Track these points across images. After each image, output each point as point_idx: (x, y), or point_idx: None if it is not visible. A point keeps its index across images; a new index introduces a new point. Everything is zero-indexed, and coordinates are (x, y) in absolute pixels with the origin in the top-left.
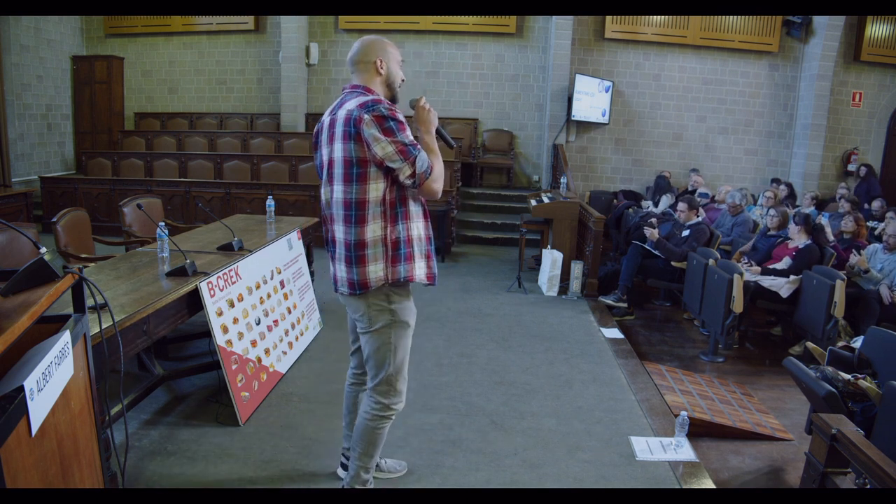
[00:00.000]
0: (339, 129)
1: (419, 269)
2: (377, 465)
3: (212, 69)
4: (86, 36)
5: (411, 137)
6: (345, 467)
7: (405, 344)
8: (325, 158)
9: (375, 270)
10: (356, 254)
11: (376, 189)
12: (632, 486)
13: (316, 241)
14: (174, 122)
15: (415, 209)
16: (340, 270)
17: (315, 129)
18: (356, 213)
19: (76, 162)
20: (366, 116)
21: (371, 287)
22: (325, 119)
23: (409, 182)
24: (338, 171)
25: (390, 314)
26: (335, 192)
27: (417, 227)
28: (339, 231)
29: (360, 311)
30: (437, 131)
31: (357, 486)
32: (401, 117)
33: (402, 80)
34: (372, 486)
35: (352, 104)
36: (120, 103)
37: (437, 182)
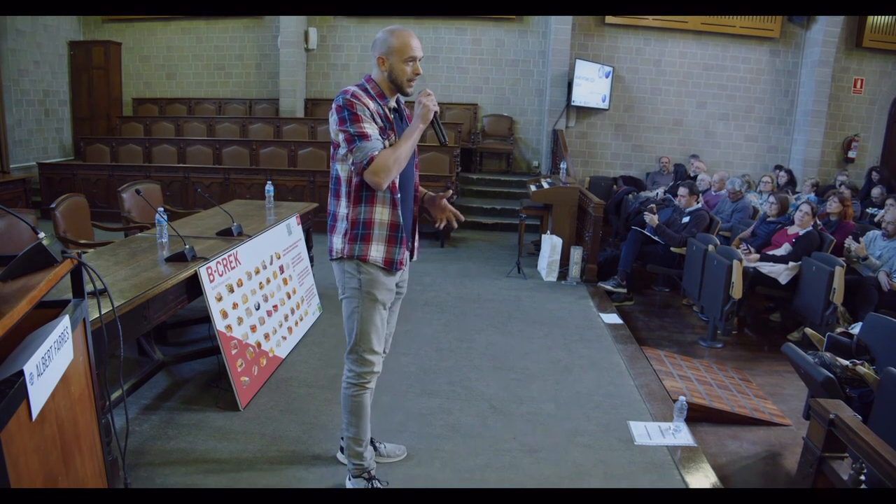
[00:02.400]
0: None
1: (375, 252)
2: (377, 450)
3: (210, 54)
4: (83, 21)
5: (362, 128)
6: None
7: (371, 316)
8: None
9: (337, 242)
10: (330, 223)
11: (343, 169)
12: (630, 471)
13: (315, 227)
14: (173, 107)
15: (380, 195)
16: (329, 237)
17: None
18: (334, 187)
19: (74, 148)
20: (333, 105)
21: (334, 255)
22: None
23: (352, 168)
24: (331, 151)
25: (358, 283)
26: (331, 169)
27: (383, 212)
28: (330, 202)
29: (337, 276)
30: (433, 124)
31: (355, 462)
32: (357, 109)
33: (416, 75)
34: (370, 462)
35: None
36: (118, 89)
37: (378, 174)
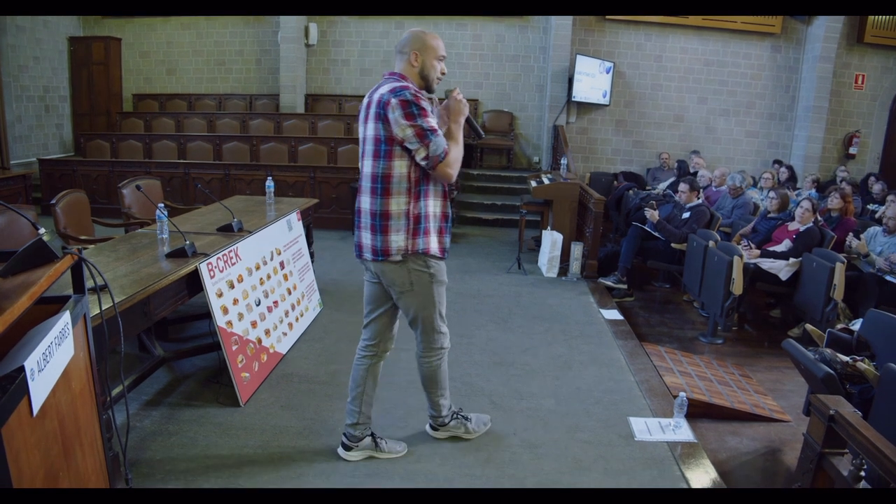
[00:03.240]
0: (372, 111)
1: (433, 243)
2: (378, 446)
3: (210, 50)
4: (82, 17)
5: (431, 123)
6: (346, 447)
7: (442, 300)
8: (361, 136)
9: (397, 240)
10: (381, 223)
11: (401, 166)
12: (630, 466)
13: (315, 222)
14: (173, 103)
15: (434, 188)
16: (365, 238)
17: (359, 111)
18: (381, 185)
19: (74, 144)
20: (392, 100)
21: (392, 255)
22: (365, 101)
23: (423, 163)
24: (368, 147)
25: (430, 277)
26: (365, 167)
27: (436, 204)
28: (365, 202)
29: (399, 276)
30: (468, 121)
31: (444, 413)
32: (424, 104)
33: (443, 74)
34: (452, 407)
35: (385, 89)
36: (118, 85)
37: (451, 167)
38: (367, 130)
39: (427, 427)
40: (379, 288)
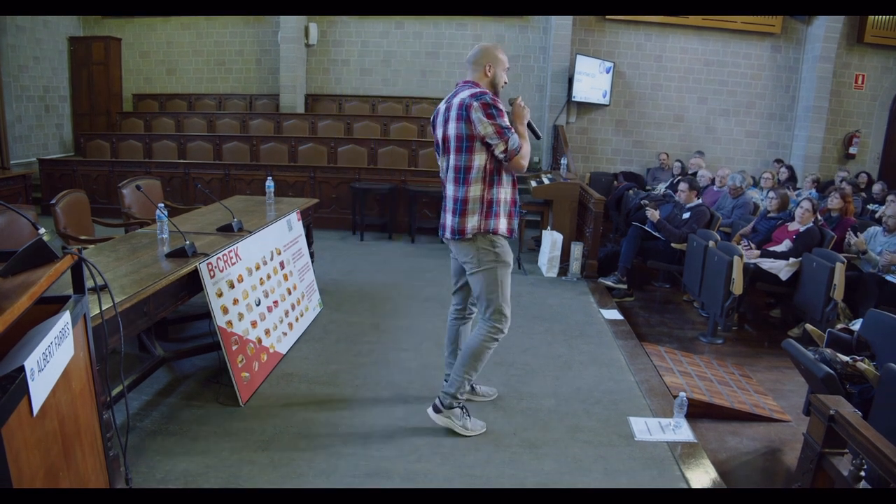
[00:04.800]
0: (453, 113)
1: (502, 224)
2: (475, 391)
3: (210, 50)
4: (82, 17)
5: (507, 123)
6: (436, 409)
7: (508, 279)
8: (441, 135)
9: (472, 221)
10: (461, 207)
11: (479, 159)
12: (630, 466)
13: (315, 222)
14: (173, 103)
15: (506, 178)
16: (448, 220)
17: (433, 115)
18: (464, 176)
19: (74, 144)
20: (475, 103)
21: (467, 234)
22: (442, 106)
23: (501, 156)
24: (452, 144)
25: (495, 256)
26: (450, 160)
27: (506, 191)
28: (450, 189)
29: (469, 254)
30: (528, 124)
31: (459, 395)
32: (501, 106)
33: (505, 83)
34: (464, 396)
35: (465, 94)
36: (118, 85)
37: (524, 159)
38: (449, 130)
39: (430, 409)
40: (457, 263)
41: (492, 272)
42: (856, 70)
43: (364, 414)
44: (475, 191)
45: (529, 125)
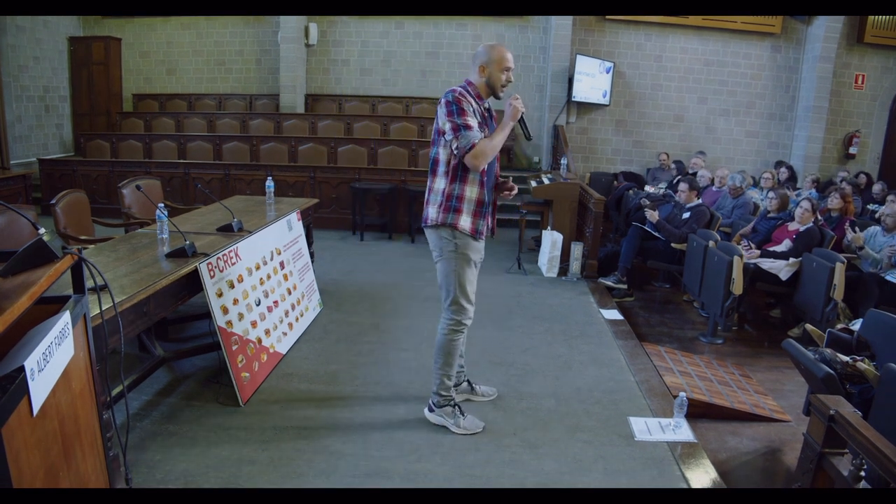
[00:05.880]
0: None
1: (464, 222)
2: (474, 390)
3: (210, 50)
4: (82, 17)
5: (466, 121)
6: (430, 409)
7: (467, 273)
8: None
9: (434, 212)
10: (429, 197)
11: (444, 153)
12: (630, 466)
13: (315, 222)
14: (173, 103)
15: (474, 176)
16: (425, 208)
17: None
18: (433, 167)
19: (74, 144)
20: (442, 100)
21: (430, 222)
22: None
23: (455, 152)
24: (434, 137)
25: (455, 246)
26: (430, 152)
27: (472, 189)
28: (428, 179)
29: (432, 241)
30: (521, 122)
31: (442, 392)
32: (464, 104)
33: (508, 82)
34: (454, 395)
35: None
36: (118, 84)
37: (478, 159)
38: (434, 124)
39: (426, 409)
40: None
41: (450, 262)
42: (856, 70)
43: (364, 414)
44: (440, 183)
45: (522, 123)
